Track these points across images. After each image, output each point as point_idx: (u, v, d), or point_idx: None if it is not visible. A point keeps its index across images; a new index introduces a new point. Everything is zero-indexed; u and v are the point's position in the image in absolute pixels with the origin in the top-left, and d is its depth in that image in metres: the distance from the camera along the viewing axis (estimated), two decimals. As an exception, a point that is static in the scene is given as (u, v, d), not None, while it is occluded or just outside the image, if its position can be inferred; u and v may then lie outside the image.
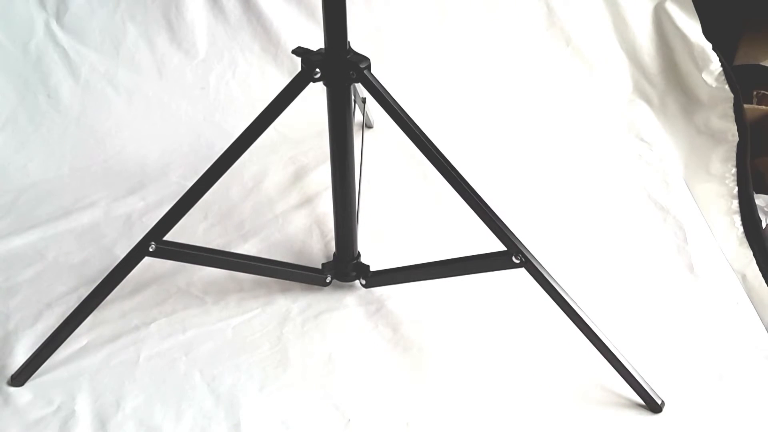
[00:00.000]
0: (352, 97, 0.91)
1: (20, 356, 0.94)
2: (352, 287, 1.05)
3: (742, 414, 0.87)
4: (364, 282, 1.03)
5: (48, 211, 1.22)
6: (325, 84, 0.87)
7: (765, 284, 1.08)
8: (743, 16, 1.49)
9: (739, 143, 1.32)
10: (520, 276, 0.88)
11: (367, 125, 1.41)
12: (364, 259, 1.04)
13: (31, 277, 1.08)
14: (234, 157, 0.88)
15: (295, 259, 1.09)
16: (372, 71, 0.86)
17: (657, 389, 0.87)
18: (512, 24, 1.55)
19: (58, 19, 1.43)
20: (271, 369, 0.93)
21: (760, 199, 1.25)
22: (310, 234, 1.17)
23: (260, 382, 0.91)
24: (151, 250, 0.90)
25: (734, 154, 1.31)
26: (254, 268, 0.99)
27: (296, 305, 1.02)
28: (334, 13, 0.82)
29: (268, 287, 1.05)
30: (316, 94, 0.96)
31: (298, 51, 0.87)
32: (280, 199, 1.25)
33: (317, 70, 0.84)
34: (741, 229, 1.19)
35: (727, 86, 1.39)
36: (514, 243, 0.86)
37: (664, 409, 0.86)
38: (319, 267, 1.04)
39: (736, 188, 1.26)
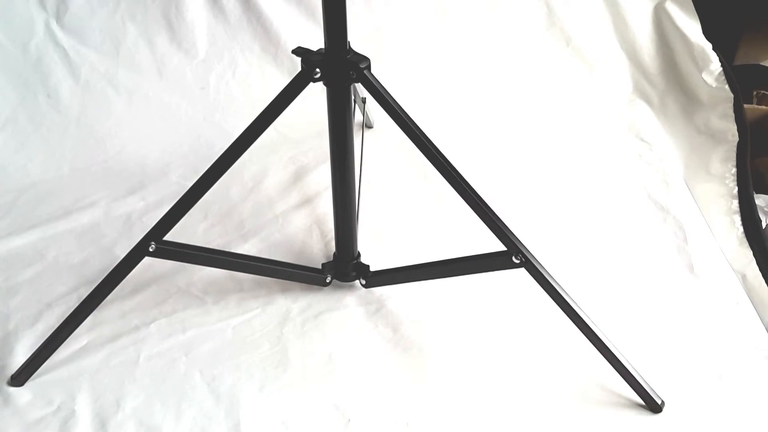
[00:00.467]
0: (352, 97, 0.91)
1: (20, 356, 0.94)
2: (352, 287, 1.05)
3: (742, 414, 0.87)
4: (364, 282, 1.03)
5: (48, 211, 1.22)
6: (325, 84, 0.87)
7: (765, 284, 1.08)
8: (743, 16, 1.49)
9: (739, 143, 1.32)
10: (520, 276, 0.88)
11: (367, 125, 1.41)
12: (364, 259, 1.04)
13: (31, 277, 1.08)
14: (234, 157, 0.88)
15: (295, 259, 1.09)
16: (372, 71, 0.86)
17: (657, 389, 0.87)
18: (512, 24, 1.54)
19: (58, 19, 1.43)
20: (271, 369, 0.93)
21: (760, 199, 1.25)
22: (310, 234, 1.17)
23: (260, 382, 0.91)
24: (151, 250, 0.90)
25: (734, 154, 1.31)
26: (254, 268, 0.99)
27: (296, 305, 1.02)
28: (334, 13, 0.82)
29: (268, 287, 1.05)
30: (316, 94, 0.96)
31: (298, 51, 0.87)
32: (280, 199, 1.25)
33: (317, 70, 0.84)
34: (741, 229, 1.19)
35: (727, 86, 1.39)
36: (514, 243, 0.86)
37: (665, 409, 0.86)
38: (319, 267, 1.04)
39: (736, 188, 1.26)
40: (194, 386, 0.91)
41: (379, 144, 1.37)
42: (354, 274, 1.04)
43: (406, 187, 1.28)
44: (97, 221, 1.20)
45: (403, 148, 1.29)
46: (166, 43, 1.47)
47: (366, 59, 0.85)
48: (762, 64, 1.52)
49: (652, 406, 0.86)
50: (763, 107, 1.42)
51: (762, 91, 1.45)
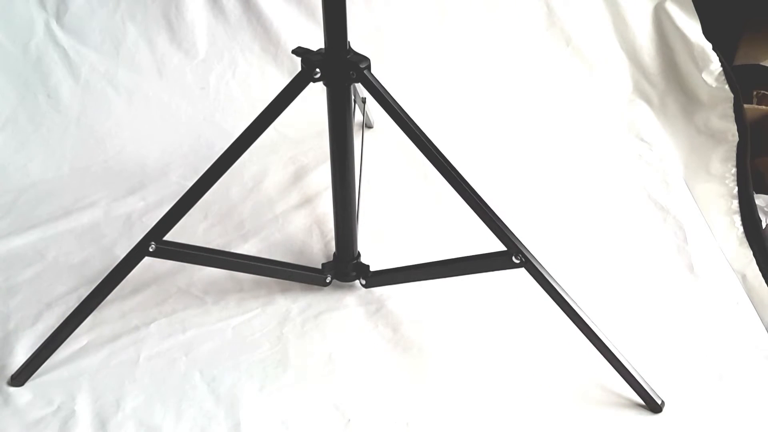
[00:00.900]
0: (352, 97, 0.91)
1: (20, 356, 0.94)
2: (352, 287, 1.05)
3: (742, 414, 0.87)
4: (364, 282, 1.03)
5: (48, 211, 1.22)
6: (325, 84, 0.87)
7: (765, 284, 1.08)
8: (743, 16, 1.49)
9: (739, 143, 1.32)
10: (520, 276, 0.88)
11: (367, 125, 1.40)
12: (364, 259, 1.04)
13: (31, 277, 1.08)
14: (234, 157, 0.88)
15: (295, 259, 1.09)
16: (372, 71, 0.86)
17: (657, 389, 0.87)
18: (512, 24, 1.54)
19: (58, 19, 1.43)
20: (271, 369, 0.93)
21: (760, 199, 1.25)
22: (310, 234, 1.17)
23: (260, 382, 0.91)
24: (151, 250, 0.90)
25: (734, 154, 1.31)
26: (254, 268, 0.99)
27: (296, 305, 1.02)
28: (334, 13, 0.82)
29: (268, 287, 1.05)
30: (316, 94, 0.96)
31: (298, 51, 0.87)
32: (280, 199, 1.25)
33: (317, 70, 0.84)
34: (741, 229, 1.19)
35: (727, 86, 1.39)
36: (514, 243, 0.86)
37: (665, 409, 0.86)
38: (319, 267, 1.04)
39: (736, 188, 1.26)
40: (194, 386, 0.91)
41: (379, 144, 1.37)
42: (354, 274, 1.04)
43: (406, 187, 1.28)
44: (97, 221, 1.20)
45: (403, 148, 1.29)
46: (166, 43, 1.47)
47: (366, 59, 0.85)
48: (762, 64, 1.52)
49: (652, 406, 0.86)
50: (763, 107, 1.42)
51: (762, 91, 1.45)
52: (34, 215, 1.21)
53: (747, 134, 1.32)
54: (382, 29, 1.52)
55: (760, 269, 1.11)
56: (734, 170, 1.29)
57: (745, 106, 1.37)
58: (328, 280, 1.03)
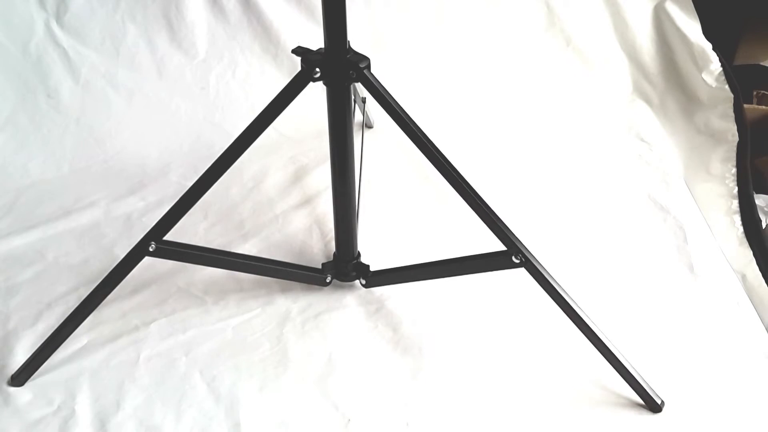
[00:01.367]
0: (352, 97, 0.91)
1: (20, 356, 0.94)
2: (352, 287, 1.05)
3: (742, 414, 0.87)
4: (364, 282, 1.03)
5: (48, 211, 1.22)
6: (325, 83, 0.87)
7: (765, 284, 1.08)
8: (743, 16, 1.49)
9: (739, 143, 1.32)
10: (520, 276, 0.88)
11: (367, 125, 1.41)
12: (364, 259, 1.04)
13: (31, 277, 1.08)
14: (234, 156, 0.88)
15: (295, 259, 1.09)
16: (372, 71, 0.86)
17: (657, 389, 0.87)
18: (512, 24, 1.54)
19: (58, 19, 1.43)
20: (271, 369, 0.93)
21: (760, 199, 1.25)
22: (310, 234, 1.17)
23: (260, 382, 0.91)
24: (151, 249, 0.90)
25: (734, 154, 1.31)
26: (254, 268, 0.99)
27: (296, 305, 1.02)
28: (334, 12, 0.82)
29: (268, 287, 1.05)
30: (316, 94, 0.96)
31: (298, 51, 0.87)
32: (280, 199, 1.25)
33: (317, 69, 0.84)
34: (741, 229, 1.19)
35: (727, 86, 1.39)
36: (513, 243, 0.86)
37: (665, 409, 0.86)
38: (319, 267, 1.04)
39: (736, 188, 1.26)
40: (194, 386, 0.91)
41: (379, 144, 1.37)
42: (354, 274, 1.04)
43: (406, 187, 1.28)
44: (97, 221, 1.20)
45: (403, 148, 1.29)
46: (166, 43, 1.47)
47: (366, 59, 0.85)
48: (762, 64, 1.52)
49: (652, 405, 0.86)
50: (763, 107, 1.42)
51: (762, 91, 1.45)
52: (34, 215, 1.21)
53: (747, 134, 1.32)
54: (381, 29, 1.52)
55: (760, 269, 1.11)
56: (734, 170, 1.29)
57: (745, 106, 1.37)
58: (328, 280, 1.03)
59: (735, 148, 1.32)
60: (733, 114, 1.36)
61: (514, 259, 0.86)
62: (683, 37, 1.47)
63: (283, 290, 1.05)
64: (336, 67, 0.85)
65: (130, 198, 1.26)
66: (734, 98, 1.37)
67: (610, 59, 1.54)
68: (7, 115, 1.38)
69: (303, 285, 1.05)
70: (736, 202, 1.24)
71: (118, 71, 1.44)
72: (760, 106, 1.42)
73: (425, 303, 1.03)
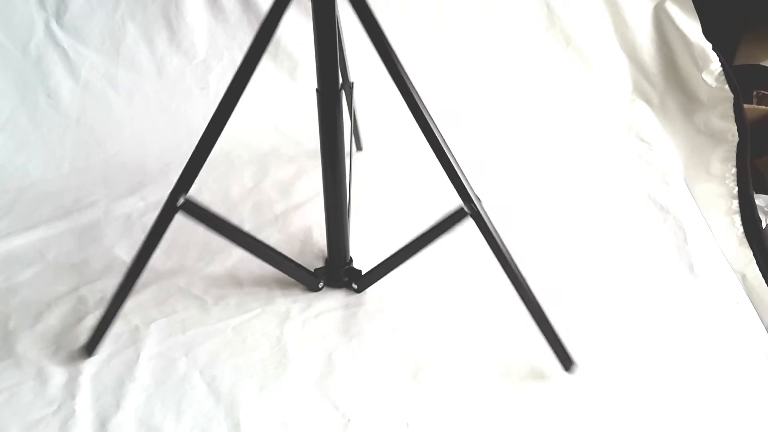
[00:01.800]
0: (344, 104, 0.91)
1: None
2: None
3: (743, 414, 0.87)
4: (356, 287, 1.03)
5: (48, 211, 1.22)
6: None
7: (765, 284, 1.08)
8: (743, 16, 1.49)
9: (739, 143, 1.32)
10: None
11: (357, 147, 1.38)
12: (357, 266, 1.04)
13: (31, 277, 1.08)
14: (237, 94, 0.88)
15: (295, 259, 1.09)
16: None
17: (657, 389, 0.86)
18: (512, 24, 1.55)
19: (58, 19, 1.43)
20: (271, 369, 0.93)
21: (760, 199, 1.25)
22: (310, 234, 1.17)
23: (260, 382, 0.91)
24: (179, 204, 0.88)
25: (734, 154, 1.31)
26: (261, 251, 0.98)
27: (296, 305, 1.02)
28: None
29: (268, 287, 1.05)
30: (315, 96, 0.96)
31: None
32: (280, 199, 1.25)
33: None
34: (741, 229, 1.19)
35: (727, 86, 1.39)
36: (468, 194, 0.85)
37: (663, 407, 0.86)
38: (318, 267, 1.04)
39: (736, 188, 1.26)
40: (194, 386, 0.91)
41: (377, 144, 1.37)
42: (346, 279, 1.04)
43: (400, 193, 1.28)
44: (97, 221, 1.20)
45: (399, 149, 1.29)
46: (166, 43, 1.47)
47: None
48: (762, 64, 1.52)
49: (567, 365, 0.89)
50: (763, 107, 1.42)
51: (762, 91, 1.45)
52: (34, 215, 1.21)
53: (747, 134, 1.32)
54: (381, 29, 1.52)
55: (760, 269, 1.11)
56: (734, 170, 1.29)
57: (745, 106, 1.37)
58: (321, 285, 1.03)
59: (735, 148, 1.32)
60: (733, 114, 1.36)
61: (464, 209, 0.85)
62: (683, 37, 1.47)
63: (283, 290, 1.05)
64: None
65: (130, 198, 1.26)
66: (734, 98, 1.37)
67: (610, 59, 1.54)
68: (7, 115, 1.39)
69: (303, 285, 1.05)
70: (736, 202, 1.24)
71: (118, 71, 1.45)
72: (760, 106, 1.42)
73: (425, 303, 1.03)
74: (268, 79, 1.49)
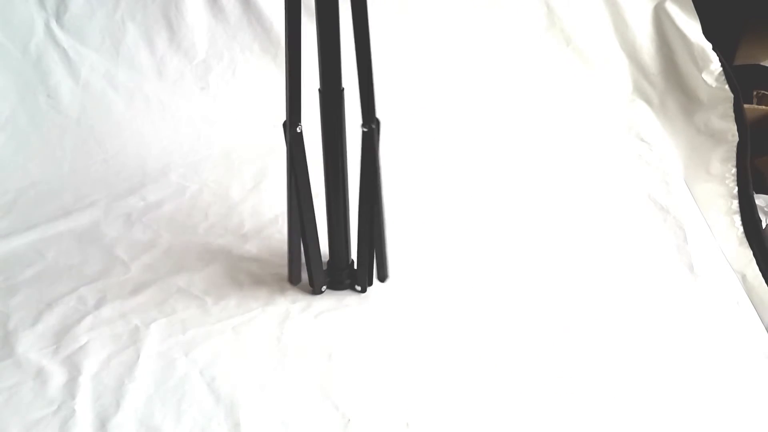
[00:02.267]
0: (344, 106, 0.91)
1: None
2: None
3: (743, 414, 0.87)
4: (359, 288, 1.03)
5: (48, 211, 1.22)
6: None
7: (765, 284, 1.08)
8: (743, 16, 1.49)
9: (739, 143, 1.32)
10: (524, 278, 0.88)
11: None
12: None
13: (31, 277, 1.08)
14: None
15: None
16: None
17: (657, 389, 0.86)
18: (512, 24, 1.55)
19: (58, 19, 1.43)
20: (271, 369, 0.93)
21: (760, 199, 1.25)
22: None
23: (260, 382, 0.91)
24: (298, 131, 0.87)
25: (734, 154, 1.31)
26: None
27: (296, 305, 1.02)
28: None
29: (268, 287, 1.05)
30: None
31: None
32: (280, 199, 1.25)
33: None
34: (741, 229, 1.20)
35: (727, 86, 1.39)
36: (371, 114, 0.85)
37: (663, 407, 0.86)
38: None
39: (736, 188, 1.26)
40: (194, 386, 0.91)
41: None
42: (348, 281, 1.04)
43: (401, 193, 1.28)
44: (97, 221, 1.20)
45: (406, 154, 1.29)
46: (166, 43, 1.47)
47: None
48: (762, 64, 1.52)
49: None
50: (763, 107, 1.42)
51: (762, 91, 1.45)
52: (34, 215, 1.21)
53: (747, 134, 1.32)
54: (382, 29, 1.52)
55: (760, 269, 1.11)
56: (734, 170, 1.29)
57: (745, 106, 1.37)
58: (323, 288, 1.03)
59: (735, 148, 1.32)
60: (733, 114, 1.36)
61: (363, 128, 0.85)
62: (683, 37, 1.47)
63: (283, 290, 1.05)
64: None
65: (130, 198, 1.26)
66: (734, 98, 1.37)
67: (610, 59, 1.54)
68: (7, 115, 1.39)
69: (303, 285, 1.05)
70: (736, 202, 1.24)
71: (118, 71, 1.45)
72: (760, 106, 1.42)
73: (425, 303, 1.03)
74: (269, 79, 1.48)
